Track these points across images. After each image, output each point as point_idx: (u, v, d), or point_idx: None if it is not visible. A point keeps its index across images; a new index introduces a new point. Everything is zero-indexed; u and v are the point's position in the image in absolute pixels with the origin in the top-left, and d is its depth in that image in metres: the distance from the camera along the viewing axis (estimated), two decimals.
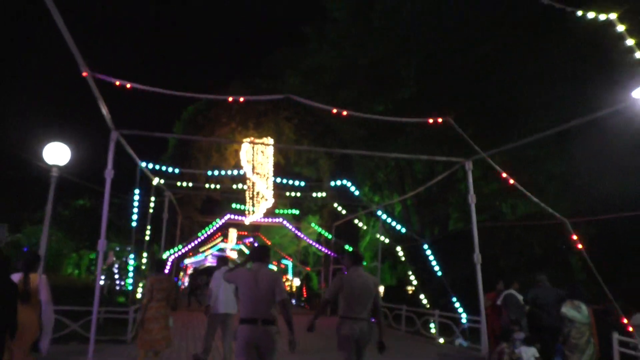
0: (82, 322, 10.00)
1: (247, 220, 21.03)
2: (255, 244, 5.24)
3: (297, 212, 22.33)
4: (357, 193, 16.83)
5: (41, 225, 8.77)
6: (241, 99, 7.50)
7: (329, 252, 20.18)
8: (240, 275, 4.80)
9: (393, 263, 24.71)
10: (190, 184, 18.19)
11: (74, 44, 5.41)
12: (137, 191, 10.73)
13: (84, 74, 5.86)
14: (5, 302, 4.59)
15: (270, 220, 21.55)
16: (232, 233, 34.54)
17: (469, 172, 9.04)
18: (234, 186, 19.58)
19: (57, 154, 9.16)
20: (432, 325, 12.87)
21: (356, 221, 19.87)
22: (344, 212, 19.14)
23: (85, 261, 24.62)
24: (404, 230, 14.92)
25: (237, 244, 39.21)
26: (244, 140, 20.10)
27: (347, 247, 18.36)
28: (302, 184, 19.15)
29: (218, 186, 19.74)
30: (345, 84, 24.49)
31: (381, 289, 22.66)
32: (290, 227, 21.17)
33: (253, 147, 20.07)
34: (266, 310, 4.58)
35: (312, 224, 25.00)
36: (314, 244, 21.42)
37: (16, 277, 5.19)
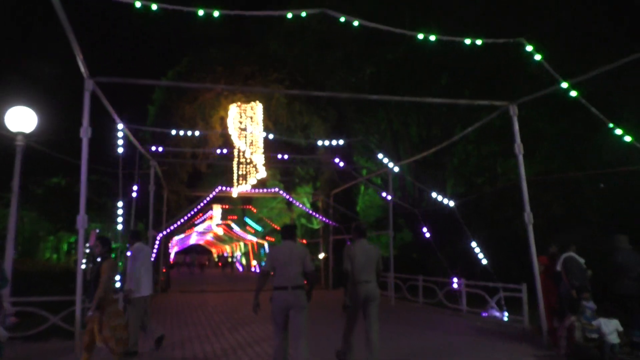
0: (65, 314, 8.51)
1: (235, 192, 19.47)
2: (285, 224, 6.22)
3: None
4: (379, 154, 14.93)
5: (10, 208, 7.29)
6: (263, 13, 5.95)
7: (329, 222, 18.82)
8: (276, 250, 5.66)
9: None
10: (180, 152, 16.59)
11: None
12: (120, 151, 9.08)
13: None
14: None
15: (263, 191, 20.06)
16: (217, 209, 32.96)
17: (514, 117, 7.66)
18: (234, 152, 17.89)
19: (21, 119, 7.78)
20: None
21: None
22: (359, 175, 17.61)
23: (65, 244, 22.91)
24: (439, 196, 13.47)
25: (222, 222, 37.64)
26: (232, 105, 18.45)
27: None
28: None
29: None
30: (333, 45, 22.96)
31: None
32: (287, 196, 19.70)
33: (241, 113, 18.47)
34: (296, 278, 5.47)
35: (307, 191, 23.68)
36: (316, 215, 20.00)
37: None
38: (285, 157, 18.00)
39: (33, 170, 20.85)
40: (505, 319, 9.89)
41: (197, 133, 15.51)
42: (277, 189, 19.70)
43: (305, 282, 5.59)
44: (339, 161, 16.93)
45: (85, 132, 6.22)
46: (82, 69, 6.29)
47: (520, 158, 7.74)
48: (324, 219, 19.18)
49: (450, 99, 7.94)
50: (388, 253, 14.46)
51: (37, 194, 18.71)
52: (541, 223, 15.39)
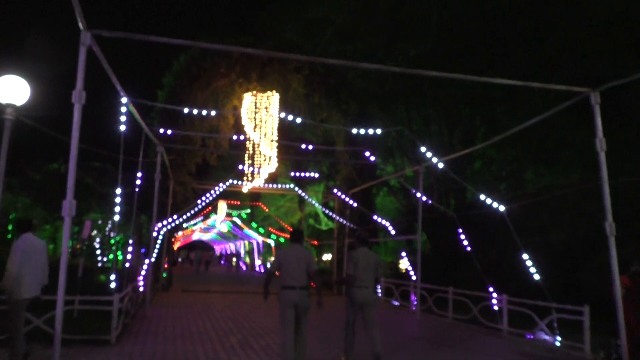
0: (49, 316, 7.29)
1: (246, 188, 18.23)
2: (294, 229, 6.91)
3: (319, 176, 19.44)
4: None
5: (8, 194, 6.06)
6: None
7: (347, 223, 17.48)
8: (284, 253, 6.11)
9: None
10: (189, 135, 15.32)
11: None
12: (123, 128, 7.79)
13: None
14: None
15: (276, 187, 18.80)
16: (222, 205, 31.71)
17: (595, 106, 6.36)
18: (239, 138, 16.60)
19: (12, 90, 6.73)
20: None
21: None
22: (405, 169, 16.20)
23: (63, 235, 21.66)
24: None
25: (226, 219, 36.47)
26: (246, 94, 17.22)
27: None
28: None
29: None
30: (356, 35, 21.79)
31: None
32: (302, 193, 18.39)
33: (256, 102, 17.26)
34: (302, 279, 5.93)
35: (316, 190, 22.39)
36: (333, 215, 18.68)
37: None
38: (304, 146, 16.64)
39: (34, 155, 19.72)
40: (557, 344, 8.57)
41: (213, 113, 14.25)
42: (291, 185, 18.40)
43: (313, 284, 6.17)
44: (369, 155, 15.57)
45: (78, 97, 4.95)
46: (79, 19, 5.04)
47: (602, 156, 6.41)
48: (342, 221, 17.83)
49: (526, 82, 6.62)
50: (414, 259, 13.18)
51: (34, 180, 17.52)
52: (584, 235, 14.13)
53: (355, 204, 16.73)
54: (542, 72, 17.56)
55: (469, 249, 11.83)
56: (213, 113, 14.36)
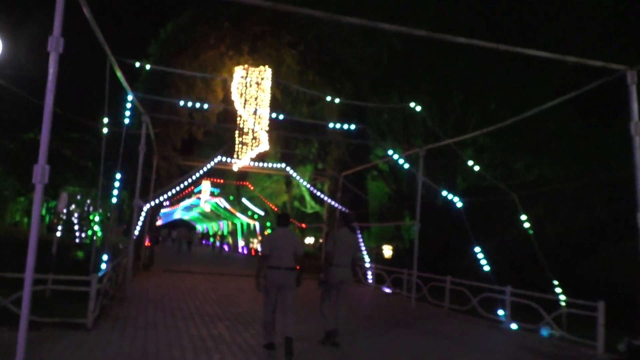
0: (18, 296, 6.56)
1: (236, 166, 17.53)
2: (281, 213, 7.86)
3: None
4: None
5: None
6: None
7: (340, 207, 16.88)
8: (273, 236, 6.48)
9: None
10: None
11: None
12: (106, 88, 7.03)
13: None
14: None
15: (267, 166, 18.11)
16: (206, 185, 30.95)
17: (632, 86, 5.82)
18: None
19: None
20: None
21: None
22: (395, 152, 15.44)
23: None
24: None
25: (210, 199, 35.77)
26: (237, 67, 16.42)
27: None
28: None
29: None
30: (352, 15, 21.06)
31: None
32: (294, 173, 17.70)
33: (246, 76, 16.49)
34: (288, 260, 6.19)
35: (303, 171, 21.73)
36: (324, 197, 18.05)
37: None
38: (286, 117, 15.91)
39: (9, 124, 18.64)
40: (563, 339, 8.13)
41: (202, 76, 13.51)
42: (283, 165, 17.73)
43: (298, 267, 6.30)
44: (363, 130, 14.90)
45: (54, 44, 4.22)
46: None
47: (637, 140, 5.85)
48: (333, 203, 17.24)
49: (559, 55, 6.03)
50: (405, 244, 12.67)
51: (8, 149, 16.50)
52: (582, 227, 13.72)
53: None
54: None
55: (472, 237, 11.29)
56: (202, 77, 13.55)
